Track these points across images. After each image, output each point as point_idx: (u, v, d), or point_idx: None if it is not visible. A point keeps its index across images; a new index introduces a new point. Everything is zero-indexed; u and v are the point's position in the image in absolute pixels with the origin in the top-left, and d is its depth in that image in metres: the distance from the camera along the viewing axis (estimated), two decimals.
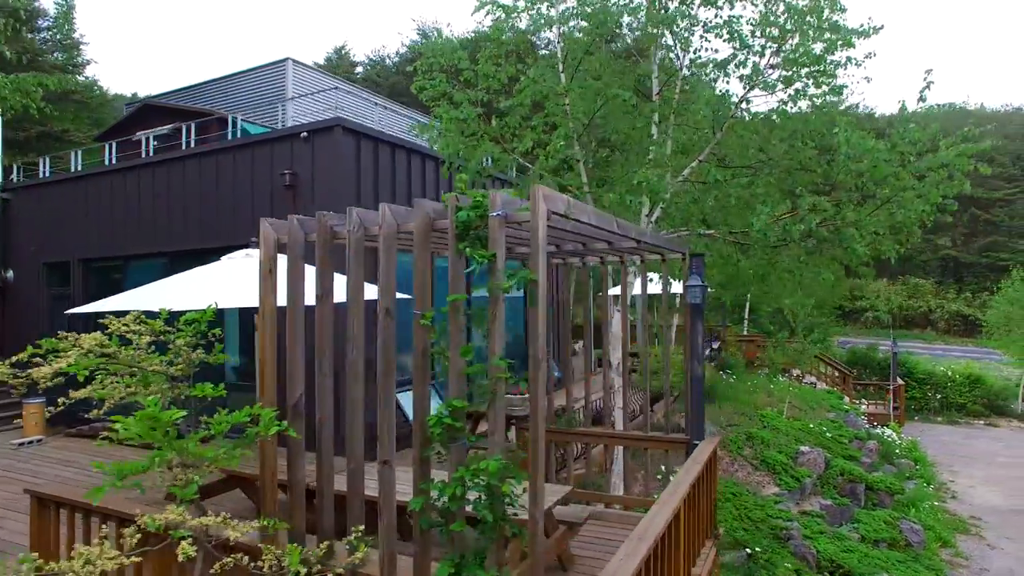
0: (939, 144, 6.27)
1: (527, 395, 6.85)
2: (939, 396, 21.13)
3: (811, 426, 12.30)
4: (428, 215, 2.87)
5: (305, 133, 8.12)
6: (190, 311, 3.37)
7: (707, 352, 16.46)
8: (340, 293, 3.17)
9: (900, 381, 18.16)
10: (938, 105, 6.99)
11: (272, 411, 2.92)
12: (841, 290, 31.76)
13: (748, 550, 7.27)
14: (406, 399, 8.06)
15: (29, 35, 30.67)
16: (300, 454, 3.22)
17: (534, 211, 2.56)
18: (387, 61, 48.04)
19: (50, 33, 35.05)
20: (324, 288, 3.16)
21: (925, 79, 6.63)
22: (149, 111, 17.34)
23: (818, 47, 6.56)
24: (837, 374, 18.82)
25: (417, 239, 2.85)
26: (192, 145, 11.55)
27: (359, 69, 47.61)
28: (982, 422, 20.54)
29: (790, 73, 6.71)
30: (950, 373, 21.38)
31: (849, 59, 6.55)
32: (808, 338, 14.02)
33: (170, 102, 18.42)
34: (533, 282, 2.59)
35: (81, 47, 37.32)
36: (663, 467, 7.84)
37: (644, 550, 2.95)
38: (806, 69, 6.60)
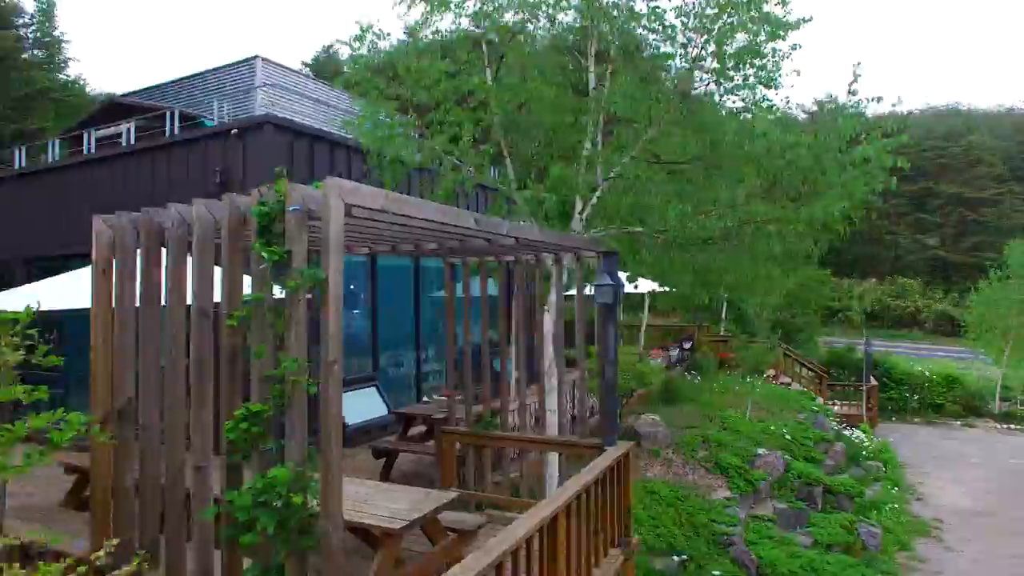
0: (866, 139, 6.13)
1: (449, 397, 6.70)
2: (917, 397, 21.00)
3: (772, 428, 12.15)
4: (238, 210, 2.71)
5: (236, 130, 7.96)
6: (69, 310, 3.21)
7: (677, 353, 16.36)
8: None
9: (873, 382, 18.03)
10: (873, 99, 6.78)
11: (80, 415, 2.76)
12: (826, 292, 31.76)
13: (679, 556, 7.12)
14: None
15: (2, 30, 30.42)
16: (125, 457, 3.06)
17: (325, 206, 2.40)
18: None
19: (29, 31, 34.85)
20: (149, 288, 3.01)
21: (854, 71, 6.49)
22: (117, 109, 17.15)
23: (747, 38, 6.42)
24: (812, 375, 18.69)
25: (225, 236, 2.69)
26: (132, 142, 11.36)
27: (347, 69, 47.42)
28: (959, 423, 20.42)
29: (720, 66, 6.57)
30: (927, 374, 21.26)
31: (775, 51, 6.40)
32: (771, 338, 13.83)
33: (137, 100, 18.23)
34: (322, 282, 2.42)
35: (63, 45, 37.10)
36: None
37: (481, 565, 2.79)
38: (735, 62, 6.46)
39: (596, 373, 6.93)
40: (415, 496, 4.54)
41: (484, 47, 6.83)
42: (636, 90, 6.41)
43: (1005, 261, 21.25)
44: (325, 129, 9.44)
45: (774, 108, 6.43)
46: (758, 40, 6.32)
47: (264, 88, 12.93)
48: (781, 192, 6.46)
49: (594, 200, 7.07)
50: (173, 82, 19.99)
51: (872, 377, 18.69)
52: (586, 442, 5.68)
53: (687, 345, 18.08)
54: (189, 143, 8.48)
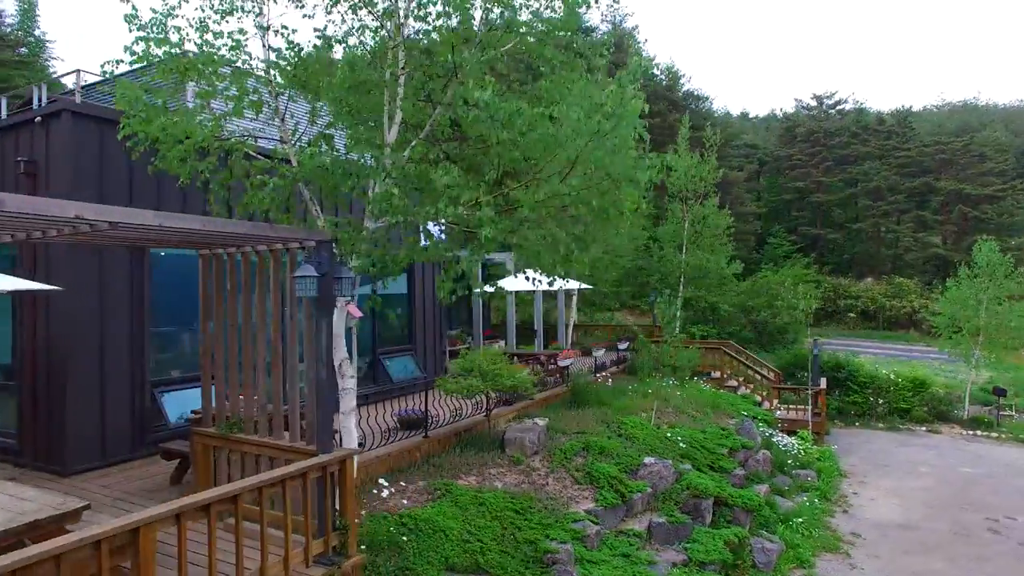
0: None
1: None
2: (882, 401, 19.98)
3: (669, 435, 11.42)
4: None
5: (39, 117, 7.54)
6: None
7: (603, 354, 15.64)
8: None
9: (821, 385, 17.11)
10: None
11: None
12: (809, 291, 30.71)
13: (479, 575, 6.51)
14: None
15: None
16: None
17: None
18: None
19: (10, 30, 35.30)
20: None
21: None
22: None
23: None
24: (760, 378, 17.83)
25: None
26: None
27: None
28: (924, 428, 19.36)
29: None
30: (893, 376, 20.21)
31: None
32: (676, 337, 13.03)
33: None
34: None
35: (46, 44, 37.51)
36: None
37: None
38: None
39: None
40: (30, 506, 4.03)
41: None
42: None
43: (974, 259, 20.17)
44: None
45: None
46: None
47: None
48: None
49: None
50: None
51: (823, 380, 17.76)
52: (304, 448, 5.11)
53: (623, 346, 17.36)
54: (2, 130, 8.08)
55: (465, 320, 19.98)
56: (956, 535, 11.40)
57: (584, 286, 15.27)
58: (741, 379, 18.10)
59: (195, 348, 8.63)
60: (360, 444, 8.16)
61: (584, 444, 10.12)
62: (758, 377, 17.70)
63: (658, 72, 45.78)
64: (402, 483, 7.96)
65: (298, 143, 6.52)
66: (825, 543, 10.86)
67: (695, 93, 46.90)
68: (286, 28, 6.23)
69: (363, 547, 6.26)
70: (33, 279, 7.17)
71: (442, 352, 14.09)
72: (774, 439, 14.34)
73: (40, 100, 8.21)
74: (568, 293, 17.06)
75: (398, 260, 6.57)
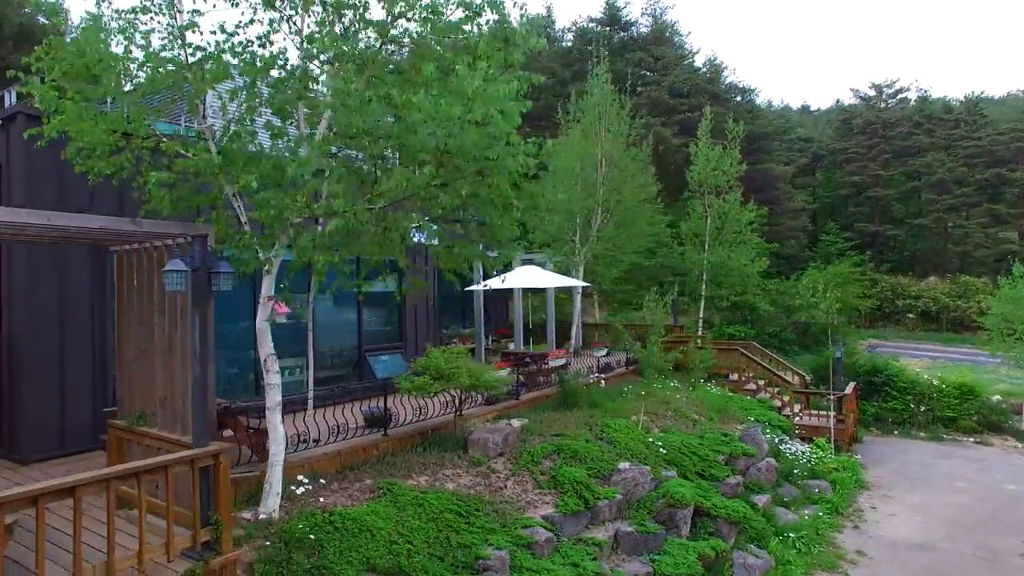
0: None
1: None
2: (924, 408, 18.47)
3: (653, 439, 10.84)
4: None
5: (1, 121, 7.87)
6: None
7: (606, 353, 15.12)
8: None
9: (847, 390, 15.93)
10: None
11: None
12: (855, 289, 28.78)
13: None
14: None
15: None
16: None
17: None
18: None
19: None
20: None
21: None
22: None
23: None
24: (782, 381, 16.81)
25: None
26: None
27: None
28: (972, 440, 17.76)
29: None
30: (937, 382, 18.64)
31: None
32: (655, 336, 12.30)
33: None
34: None
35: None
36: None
37: None
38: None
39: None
40: None
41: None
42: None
43: None
44: None
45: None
46: None
47: None
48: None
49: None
50: None
51: (850, 385, 16.56)
52: (182, 439, 5.01)
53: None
54: None
55: (494, 320, 19.78)
56: (979, 560, 10.32)
57: (582, 283, 14.81)
58: (763, 382, 17.12)
59: None
60: (308, 441, 8.13)
61: (557, 447, 9.74)
62: (780, 380, 16.69)
63: (699, 64, 44.32)
64: (348, 481, 7.85)
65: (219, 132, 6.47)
66: (823, 561, 10.05)
67: (739, 85, 45.11)
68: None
69: (281, 543, 6.18)
70: None
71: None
72: (784, 446, 13.45)
73: (10, 103, 8.61)
74: (585, 291, 16.62)
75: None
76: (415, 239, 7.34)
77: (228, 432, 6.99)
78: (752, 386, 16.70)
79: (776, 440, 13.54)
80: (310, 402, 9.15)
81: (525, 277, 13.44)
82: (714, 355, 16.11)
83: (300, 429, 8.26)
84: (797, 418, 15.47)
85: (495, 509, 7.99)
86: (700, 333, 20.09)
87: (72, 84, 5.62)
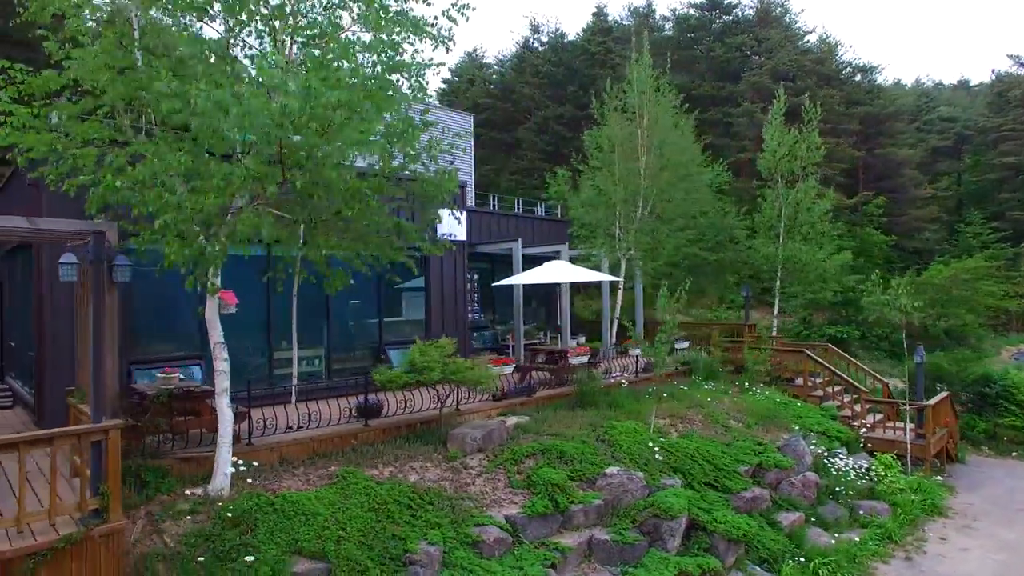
0: None
1: None
2: None
3: (662, 444, 10.11)
4: None
5: None
6: None
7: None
8: None
9: (933, 401, 13.75)
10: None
11: None
12: (986, 288, 24.80)
13: (321, 563, 6.45)
14: None
15: None
16: None
17: None
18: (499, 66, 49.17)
19: None
20: None
21: None
22: None
23: None
24: (855, 388, 14.91)
25: None
26: None
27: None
28: None
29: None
30: None
31: None
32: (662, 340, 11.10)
33: None
34: None
35: None
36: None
37: None
38: None
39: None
40: None
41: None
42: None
43: None
44: None
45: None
46: None
47: None
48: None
49: None
50: None
51: (944, 395, 14.32)
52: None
53: (682, 346, 15.75)
54: None
55: (544, 315, 19.64)
56: None
57: (612, 278, 14.15)
58: (837, 388, 15.32)
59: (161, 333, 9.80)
60: (276, 427, 8.56)
61: (543, 447, 9.44)
62: (854, 388, 14.83)
63: (812, 43, 40.48)
64: (316, 467, 8.16)
65: None
66: None
67: (858, 64, 40.56)
68: None
69: (218, 519, 6.57)
70: None
71: (466, 344, 14.00)
72: (838, 460, 11.95)
73: None
74: (615, 287, 15.94)
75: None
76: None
77: (191, 416, 7.53)
78: (819, 392, 15.03)
79: (826, 453, 12.09)
80: (293, 393, 9.64)
81: (550, 272, 13.15)
82: (771, 357, 14.73)
83: (282, 416, 8.75)
84: (869, 430, 13.69)
85: (452, 505, 7.92)
86: (775, 333, 18.39)
87: None
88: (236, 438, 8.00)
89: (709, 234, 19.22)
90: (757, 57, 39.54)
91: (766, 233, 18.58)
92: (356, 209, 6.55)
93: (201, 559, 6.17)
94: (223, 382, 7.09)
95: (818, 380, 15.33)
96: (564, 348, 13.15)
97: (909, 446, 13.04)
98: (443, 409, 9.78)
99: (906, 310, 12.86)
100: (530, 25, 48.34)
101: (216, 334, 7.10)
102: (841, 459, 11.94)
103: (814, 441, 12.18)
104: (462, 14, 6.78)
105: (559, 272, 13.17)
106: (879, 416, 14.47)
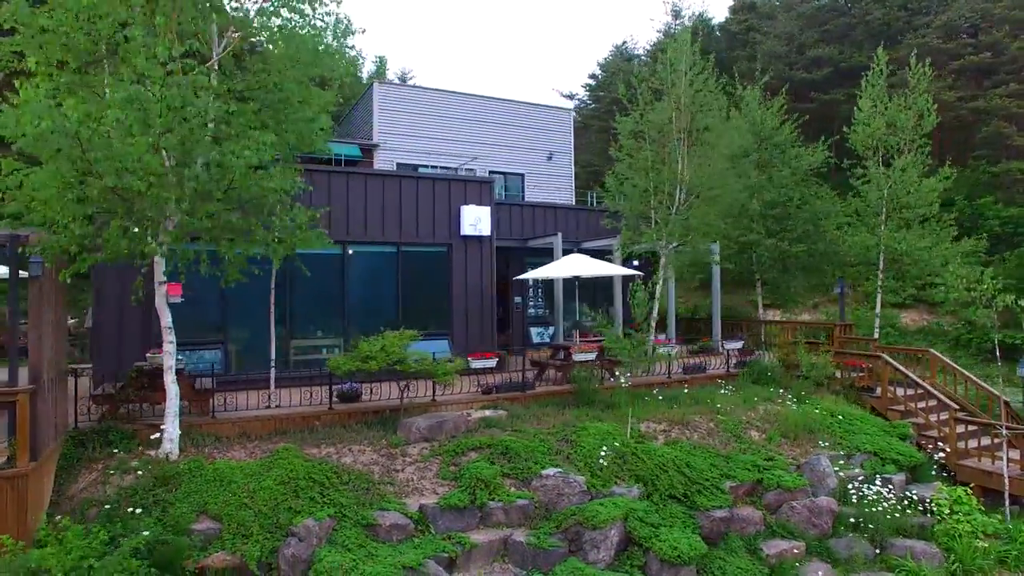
0: None
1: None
2: None
3: (605, 450, 9.35)
4: None
5: None
6: None
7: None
8: None
9: None
10: None
11: None
12: None
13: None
14: None
15: None
16: None
17: None
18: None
19: None
20: None
21: None
22: None
23: None
24: (946, 402, 12.10)
25: None
26: None
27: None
28: None
29: None
30: None
31: None
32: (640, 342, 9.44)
33: None
34: None
35: None
36: None
37: None
38: None
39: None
40: None
41: None
42: None
43: None
44: None
45: None
46: None
47: None
48: None
49: None
50: None
51: None
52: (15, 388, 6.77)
53: (732, 345, 14.20)
54: None
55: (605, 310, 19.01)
56: None
57: (631, 272, 13.17)
58: (933, 403, 12.62)
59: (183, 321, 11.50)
60: (236, 406, 9.63)
61: (491, 442, 9.39)
62: (943, 401, 12.06)
63: None
64: (271, 442, 9.07)
65: None
66: None
67: None
68: None
69: (153, 477, 7.73)
70: None
71: (492, 338, 14.14)
72: (868, 487, 9.97)
73: None
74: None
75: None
76: None
77: (160, 391, 8.83)
78: (901, 407, 12.57)
79: (863, 477, 10.18)
80: (272, 380, 10.74)
81: (567, 267, 12.80)
82: (834, 359, 12.70)
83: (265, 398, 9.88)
84: (959, 456, 11.18)
85: (367, 488, 8.29)
86: (876, 336, 15.56)
87: None
88: (210, 412, 9.28)
89: (794, 223, 16.86)
90: (924, 16, 33.33)
91: (859, 220, 15.80)
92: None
93: (129, 509, 7.35)
94: (169, 361, 8.28)
95: (901, 392, 12.81)
96: (567, 344, 12.72)
97: (1007, 480, 10.42)
98: (404, 399, 10.16)
99: (997, 307, 10.25)
100: (671, 10, 46.06)
101: (165, 320, 8.30)
102: (879, 485, 9.96)
103: (861, 463, 10.34)
104: None
105: (576, 266, 12.77)
106: (988, 440, 11.67)
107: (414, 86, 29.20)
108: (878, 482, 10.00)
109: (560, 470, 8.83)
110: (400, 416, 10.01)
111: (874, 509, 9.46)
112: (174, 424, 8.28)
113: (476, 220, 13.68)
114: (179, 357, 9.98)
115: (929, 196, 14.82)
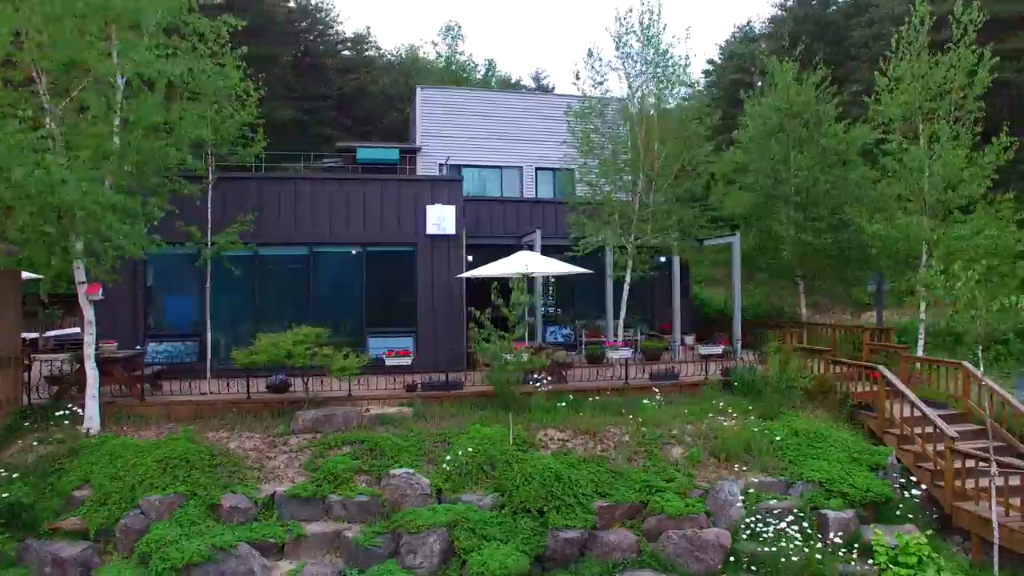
0: None
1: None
2: None
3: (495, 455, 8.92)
4: None
5: None
6: None
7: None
8: None
9: None
10: None
11: None
12: None
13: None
14: None
15: None
16: None
17: None
18: None
19: None
20: None
21: None
22: None
23: None
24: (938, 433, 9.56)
25: None
26: None
27: None
28: None
29: None
30: None
31: None
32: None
33: None
34: None
35: None
36: None
37: None
38: None
39: None
40: None
41: None
42: None
43: None
44: None
45: None
46: None
47: None
48: None
49: None
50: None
51: None
52: None
53: (712, 350, 12.66)
54: None
55: (649, 309, 17.93)
56: None
57: (582, 271, 12.23)
58: (928, 429, 10.10)
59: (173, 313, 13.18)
60: (169, 392, 10.86)
61: (363, 438, 9.59)
62: (941, 429, 9.56)
63: None
64: (184, 424, 10.15)
65: None
66: None
67: None
68: None
69: (67, 447, 9.16)
70: None
71: (460, 337, 14.15)
72: (771, 522, 8.39)
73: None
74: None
75: None
76: None
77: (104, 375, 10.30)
78: (897, 431, 10.35)
79: (799, 509, 8.65)
80: (207, 370, 11.92)
81: (516, 264, 12.43)
82: (826, 370, 10.86)
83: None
84: (954, 496, 9.04)
85: (232, 472, 8.96)
86: (909, 344, 12.70)
87: None
88: (141, 395, 10.68)
89: (820, 211, 14.31)
90: None
91: (895, 206, 12.94)
92: None
93: (37, 471, 8.83)
94: (89, 350, 9.70)
95: (895, 412, 10.53)
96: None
97: (996, 528, 8.23)
98: (308, 392, 10.69)
99: (976, 312, 8.05)
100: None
101: (88, 315, 9.73)
102: (796, 521, 8.38)
103: (801, 494, 8.89)
104: None
105: (526, 264, 12.39)
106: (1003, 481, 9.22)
107: (458, 88, 29.66)
108: (802, 518, 8.45)
109: (409, 471, 8.78)
110: (304, 407, 10.58)
111: (769, 549, 8.05)
112: (93, 404, 9.68)
113: (439, 219, 13.82)
114: (157, 346, 11.55)
115: (983, 172, 11.79)
